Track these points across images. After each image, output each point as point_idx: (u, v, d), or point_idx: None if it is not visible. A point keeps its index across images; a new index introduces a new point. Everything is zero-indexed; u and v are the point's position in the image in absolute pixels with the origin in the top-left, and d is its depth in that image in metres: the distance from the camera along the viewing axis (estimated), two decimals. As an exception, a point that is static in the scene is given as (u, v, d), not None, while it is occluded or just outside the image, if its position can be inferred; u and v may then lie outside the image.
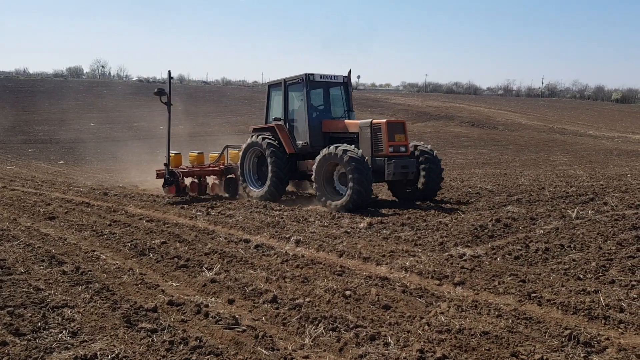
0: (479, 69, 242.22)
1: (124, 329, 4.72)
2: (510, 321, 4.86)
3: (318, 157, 11.88)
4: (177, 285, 6.25)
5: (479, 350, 4.21)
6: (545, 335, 4.57)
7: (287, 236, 8.60)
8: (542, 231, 8.66)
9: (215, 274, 6.51)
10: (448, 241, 8.12)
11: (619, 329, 4.73)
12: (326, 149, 11.75)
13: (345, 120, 13.08)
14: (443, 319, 4.91)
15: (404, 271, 6.62)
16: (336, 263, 7.02)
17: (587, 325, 4.83)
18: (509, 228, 8.98)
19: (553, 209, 10.63)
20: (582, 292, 5.62)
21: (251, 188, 13.61)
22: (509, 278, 6.18)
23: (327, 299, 5.50)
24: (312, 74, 13.04)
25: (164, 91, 13.47)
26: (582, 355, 4.20)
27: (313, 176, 11.91)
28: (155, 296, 5.70)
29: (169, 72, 14.13)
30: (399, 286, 5.98)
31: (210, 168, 15.09)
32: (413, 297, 5.63)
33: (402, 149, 12.08)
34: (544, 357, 4.11)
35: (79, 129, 44.49)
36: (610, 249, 7.41)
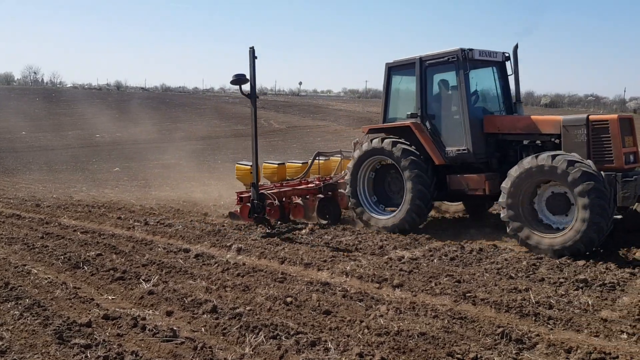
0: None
1: (56, 345, 4.54)
2: (446, 321, 5.00)
3: (516, 171, 7.88)
4: (112, 299, 6.06)
5: (416, 352, 4.30)
6: (479, 334, 4.73)
7: (229, 244, 8.51)
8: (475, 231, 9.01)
9: (153, 285, 6.36)
10: (387, 244, 8.28)
11: (549, 325, 4.95)
12: (530, 160, 7.79)
13: (533, 117, 9.05)
14: (382, 322, 4.99)
15: (344, 276, 6.69)
16: (277, 270, 7.00)
17: (519, 322, 5.02)
18: (445, 232, 9.26)
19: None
20: (514, 291, 5.85)
21: (372, 214, 9.78)
22: (445, 279, 6.35)
23: (268, 307, 5.48)
24: (471, 50, 9.11)
25: (244, 78, 9.35)
26: (513, 352, 4.36)
27: (504, 199, 7.93)
28: (90, 310, 5.51)
29: (252, 50, 9.45)
30: (339, 291, 6.03)
31: (305, 186, 11.22)
32: (353, 302, 5.69)
33: (632, 157, 8.13)
34: (478, 356, 4.24)
35: (10, 137, 42.51)
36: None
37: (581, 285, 5.99)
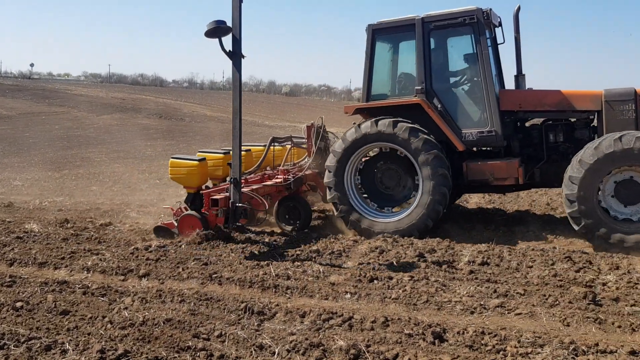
0: (164, 61, 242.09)
1: None
2: (192, 304, 5.07)
3: (591, 157, 6.78)
4: None
5: (162, 338, 4.29)
6: (224, 312, 4.92)
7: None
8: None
9: None
10: (136, 233, 8.04)
11: (287, 295, 5.39)
12: (611, 142, 6.68)
13: (564, 91, 7.90)
14: (127, 314, 4.84)
15: (85, 272, 6.27)
16: (5, 273, 6.23)
17: (261, 295, 5.36)
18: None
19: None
20: (256, 267, 6.21)
21: (370, 218, 7.92)
22: (192, 263, 6.42)
23: (-7, 316, 4.86)
24: (489, 9, 7.79)
25: (225, 26, 6.80)
26: (255, 324, 4.64)
27: (575, 191, 6.81)
28: None
29: None
30: (79, 288, 5.65)
31: (272, 182, 8.78)
32: (95, 297, 5.39)
33: None
34: (223, 332, 4.41)
35: None
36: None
37: (314, 255, 6.64)
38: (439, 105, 7.97)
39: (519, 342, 4.18)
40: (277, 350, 4.08)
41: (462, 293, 5.31)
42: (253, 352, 4.10)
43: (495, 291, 5.33)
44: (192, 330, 4.48)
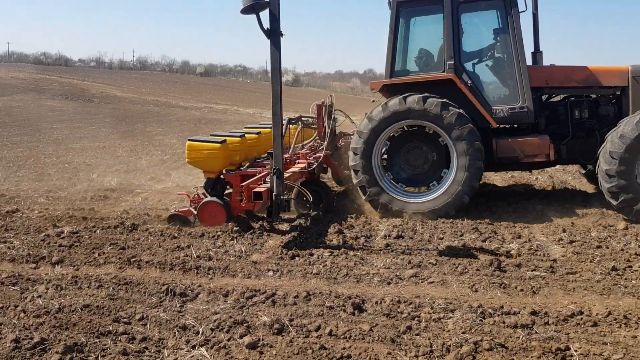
0: (68, 39, 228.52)
1: None
2: (111, 289, 4.96)
3: (633, 131, 6.89)
4: None
5: (80, 325, 4.18)
6: (145, 295, 4.85)
7: None
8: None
9: None
10: (46, 220, 7.68)
11: (209, 275, 5.39)
12: None
13: (591, 67, 7.98)
14: (41, 302, 4.67)
15: (-8, 261, 5.95)
16: None
17: (182, 277, 5.33)
18: (108, 199, 9.06)
19: (152, 177, 11.15)
20: (177, 249, 6.15)
21: (399, 197, 7.71)
22: (109, 248, 6.25)
23: None
24: None
25: (262, 1, 6.14)
26: (178, 305, 4.63)
27: (615, 166, 6.94)
28: None
29: None
30: (-14, 278, 5.36)
31: (297, 167, 8.08)
32: (5, 287, 5.13)
33: None
34: (145, 315, 4.37)
35: None
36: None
37: (235, 235, 6.66)
38: (469, 82, 7.88)
39: (432, 308, 4.45)
40: (201, 330, 4.10)
41: (379, 265, 5.55)
42: (176, 333, 4.10)
43: (409, 262, 5.61)
44: (112, 315, 4.40)
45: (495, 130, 7.97)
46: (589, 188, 9.62)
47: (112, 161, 14.14)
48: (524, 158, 7.79)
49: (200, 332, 4.07)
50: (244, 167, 7.88)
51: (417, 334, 4.03)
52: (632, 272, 5.29)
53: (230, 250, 6.10)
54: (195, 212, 7.18)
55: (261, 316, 4.31)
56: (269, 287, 4.97)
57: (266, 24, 6.23)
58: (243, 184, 7.10)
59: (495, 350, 3.76)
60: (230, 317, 4.29)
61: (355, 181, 7.91)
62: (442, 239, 6.53)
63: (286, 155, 8.13)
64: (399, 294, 4.80)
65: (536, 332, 4.04)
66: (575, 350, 3.73)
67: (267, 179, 6.93)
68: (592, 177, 9.21)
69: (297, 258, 5.85)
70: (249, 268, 5.53)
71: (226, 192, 7.67)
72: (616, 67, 7.95)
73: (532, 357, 3.66)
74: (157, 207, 8.53)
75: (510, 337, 3.95)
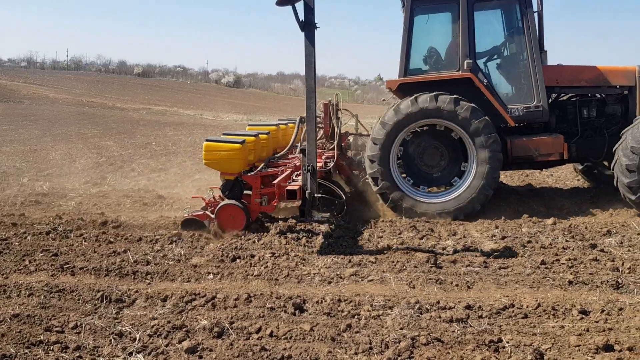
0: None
1: None
2: (42, 297, 4.77)
3: None
4: None
5: (10, 335, 3.99)
6: (79, 303, 4.69)
7: None
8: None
9: None
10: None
11: (147, 280, 5.27)
12: None
13: (599, 67, 8.14)
14: (-34, 314, 4.43)
15: None
16: None
17: (119, 283, 5.18)
18: (40, 204, 8.70)
19: (87, 180, 10.78)
20: (113, 254, 5.98)
21: (421, 199, 7.71)
22: (41, 255, 6.00)
23: None
24: None
25: None
26: (114, 312, 4.50)
27: (629, 161, 7.15)
28: None
29: None
30: None
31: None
32: None
33: None
34: (79, 323, 4.23)
35: None
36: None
37: (175, 238, 6.54)
38: (485, 80, 7.94)
39: (371, 305, 4.52)
40: (138, 336, 4.01)
41: (320, 265, 5.59)
42: (112, 340, 3.98)
43: (350, 261, 5.69)
44: (43, 324, 4.23)
45: (505, 129, 8.03)
46: (521, 184, 10.03)
47: (44, 165, 13.57)
48: (538, 157, 7.90)
49: (137, 339, 3.98)
50: (260, 167, 7.47)
51: (356, 332, 4.09)
52: (559, 265, 5.56)
53: (169, 254, 5.99)
54: (212, 216, 6.90)
55: (201, 320, 4.25)
56: (209, 290, 4.92)
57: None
58: (274, 182, 6.89)
59: (431, 344, 3.86)
60: (169, 322, 4.21)
61: (369, 171, 7.83)
62: (381, 237, 6.65)
63: (291, 155, 7.98)
64: (339, 292, 4.85)
65: (470, 326, 4.18)
66: (507, 342, 3.88)
67: (294, 177, 6.86)
68: (588, 173, 9.67)
69: (238, 260, 5.81)
70: (188, 272, 5.45)
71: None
72: (624, 67, 8.17)
73: (466, 350, 3.78)
74: (93, 212, 8.26)
75: (446, 331, 4.07)
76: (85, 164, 13.67)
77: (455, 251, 6.07)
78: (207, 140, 7.14)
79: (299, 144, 7.83)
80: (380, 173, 7.69)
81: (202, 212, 7.11)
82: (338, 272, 5.36)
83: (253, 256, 5.90)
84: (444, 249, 6.18)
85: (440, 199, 7.74)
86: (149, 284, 5.20)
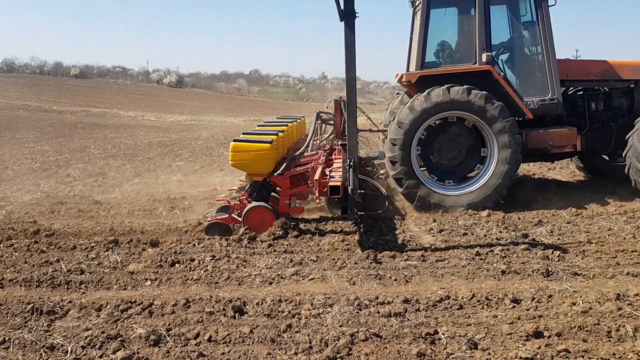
0: None
1: None
2: (-33, 313, 4.55)
3: None
4: None
5: None
6: (7, 316, 4.49)
7: None
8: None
9: None
10: None
11: (81, 290, 5.10)
12: None
13: (609, 61, 8.40)
14: None
15: None
16: None
17: (51, 294, 4.99)
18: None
19: (19, 187, 10.33)
20: (45, 264, 5.76)
21: (437, 190, 7.77)
22: (-34, 269, 5.72)
23: None
24: None
25: None
26: (45, 324, 4.33)
27: None
28: None
29: None
30: None
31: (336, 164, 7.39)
32: None
33: None
34: (7, 338, 4.05)
35: None
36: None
37: (111, 245, 6.36)
38: (501, 73, 8.02)
39: (311, 304, 4.54)
40: (70, 348, 3.87)
41: (262, 266, 5.56)
42: (43, 354, 3.84)
43: (291, 261, 5.69)
44: (-32, 341, 4.03)
45: (518, 122, 8.06)
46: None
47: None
48: (552, 149, 8.07)
49: (70, 351, 3.85)
50: (283, 167, 7.22)
51: (297, 332, 4.10)
52: (493, 255, 5.74)
53: (105, 261, 5.82)
54: (239, 219, 6.68)
55: (136, 328, 4.15)
56: (146, 297, 4.80)
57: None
58: (315, 178, 6.67)
59: (370, 340, 3.91)
60: (103, 332, 4.09)
61: (392, 173, 7.82)
62: (323, 235, 6.68)
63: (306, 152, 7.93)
64: (280, 293, 4.84)
65: (408, 319, 4.26)
66: (443, 334, 3.98)
67: (329, 173, 6.81)
68: (588, 163, 9.74)
69: (177, 265, 5.70)
70: (125, 279, 5.31)
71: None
72: (632, 61, 8.47)
73: (403, 343, 3.85)
74: (24, 220, 7.91)
75: (385, 326, 4.14)
76: (18, 170, 13.09)
77: (395, 246, 6.17)
78: (234, 141, 6.87)
79: (310, 142, 7.97)
80: (403, 173, 7.73)
81: (226, 216, 6.88)
82: (279, 273, 5.35)
83: (193, 260, 5.80)
84: (384, 244, 6.27)
85: (455, 191, 7.85)
86: (83, 293, 5.03)
